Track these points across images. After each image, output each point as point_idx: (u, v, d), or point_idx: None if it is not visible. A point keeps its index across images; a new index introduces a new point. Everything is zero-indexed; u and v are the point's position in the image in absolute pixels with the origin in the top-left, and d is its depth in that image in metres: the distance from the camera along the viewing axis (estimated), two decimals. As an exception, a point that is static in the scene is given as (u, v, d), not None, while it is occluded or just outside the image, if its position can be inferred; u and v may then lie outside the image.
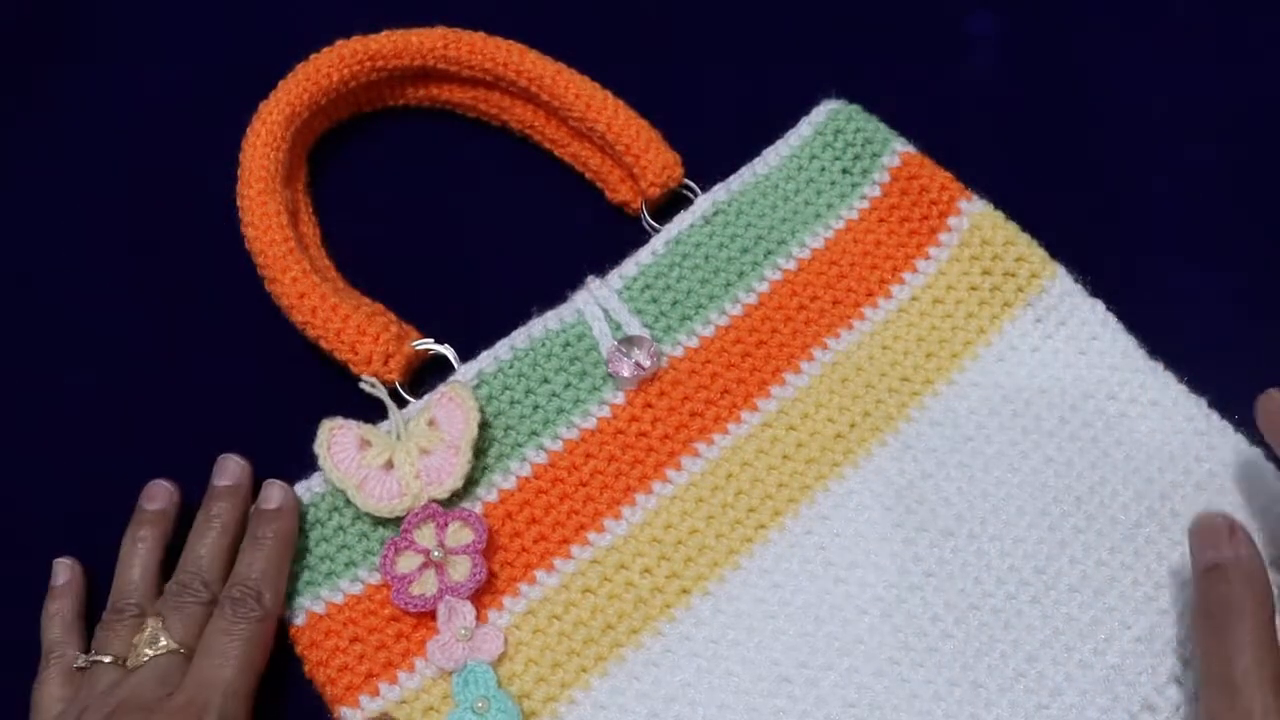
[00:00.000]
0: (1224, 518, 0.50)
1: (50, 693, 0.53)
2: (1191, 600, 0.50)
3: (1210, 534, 0.50)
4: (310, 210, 0.67)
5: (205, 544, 0.55)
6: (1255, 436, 0.59)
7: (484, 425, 0.58)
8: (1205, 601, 0.49)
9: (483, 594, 0.55)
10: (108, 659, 0.53)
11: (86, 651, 0.54)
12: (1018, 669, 0.53)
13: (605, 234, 0.67)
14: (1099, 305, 0.61)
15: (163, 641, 0.52)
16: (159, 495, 0.58)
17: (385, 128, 0.70)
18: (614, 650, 0.55)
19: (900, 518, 0.57)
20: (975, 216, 0.63)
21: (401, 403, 0.60)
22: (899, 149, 0.64)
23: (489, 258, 0.67)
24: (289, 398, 0.62)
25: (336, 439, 0.57)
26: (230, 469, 0.58)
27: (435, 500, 0.56)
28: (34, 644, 0.56)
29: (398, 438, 0.57)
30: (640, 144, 0.64)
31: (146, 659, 0.52)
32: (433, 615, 0.54)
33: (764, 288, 0.63)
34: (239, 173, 0.63)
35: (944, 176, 0.64)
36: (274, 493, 0.56)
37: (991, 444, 0.59)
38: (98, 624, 0.55)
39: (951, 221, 0.63)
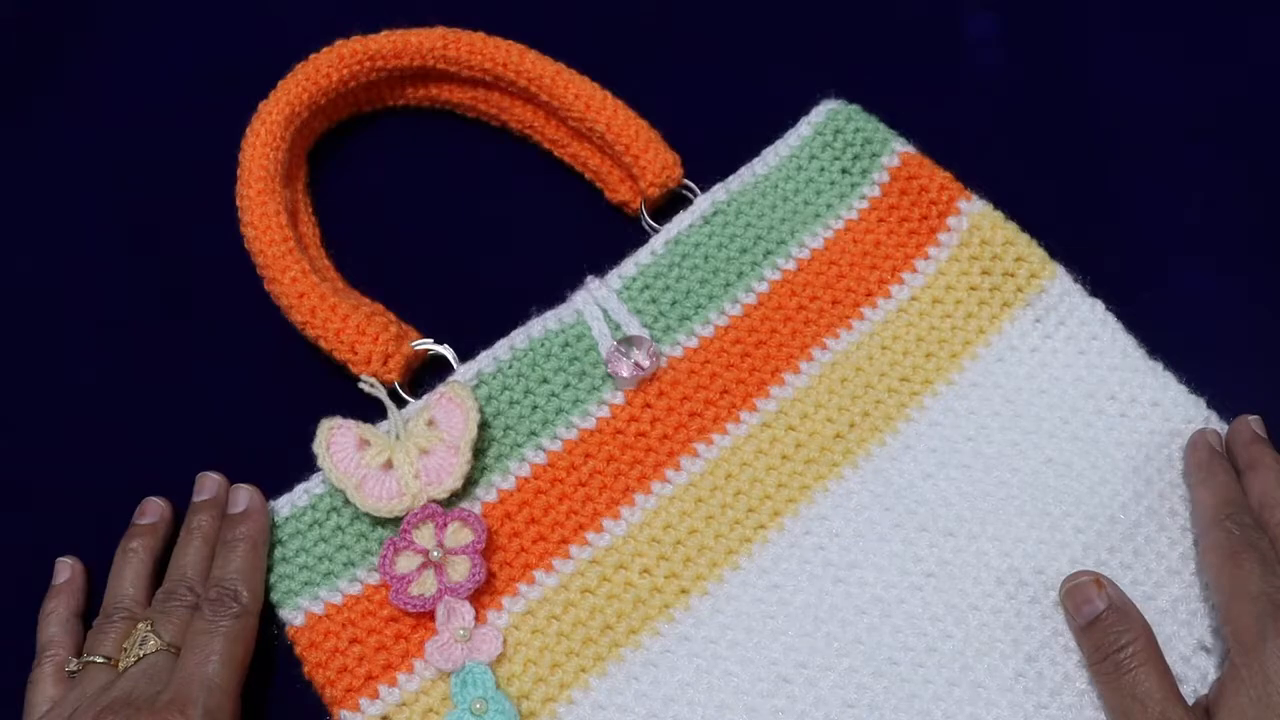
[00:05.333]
0: (1088, 574, 0.54)
1: (43, 691, 0.54)
2: (1083, 655, 0.53)
3: (1081, 591, 0.53)
4: (310, 210, 0.67)
5: (189, 553, 0.57)
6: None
7: (483, 425, 0.58)
8: (1096, 651, 0.52)
9: (481, 594, 0.55)
10: (100, 660, 0.53)
11: (80, 654, 0.55)
12: (1017, 669, 0.53)
13: (605, 234, 0.67)
14: (1099, 305, 0.61)
15: (152, 642, 0.53)
16: (150, 510, 0.59)
17: (385, 128, 0.70)
18: (613, 651, 0.55)
19: (900, 518, 0.57)
20: (974, 216, 0.63)
21: (401, 403, 0.60)
22: (898, 149, 0.64)
23: (489, 258, 0.67)
24: (289, 398, 0.62)
25: (335, 438, 0.57)
26: (208, 485, 0.59)
27: (434, 500, 0.56)
28: (30, 645, 0.56)
29: (397, 438, 0.57)
30: (640, 144, 0.64)
31: (137, 659, 0.52)
32: (431, 616, 0.54)
33: (763, 288, 0.62)
34: (239, 173, 0.63)
35: (943, 176, 0.64)
36: (240, 496, 0.57)
37: (992, 444, 0.59)
38: (89, 630, 0.55)
39: (951, 221, 0.63)
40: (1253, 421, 0.58)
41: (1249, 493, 0.55)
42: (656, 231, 0.64)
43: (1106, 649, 0.51)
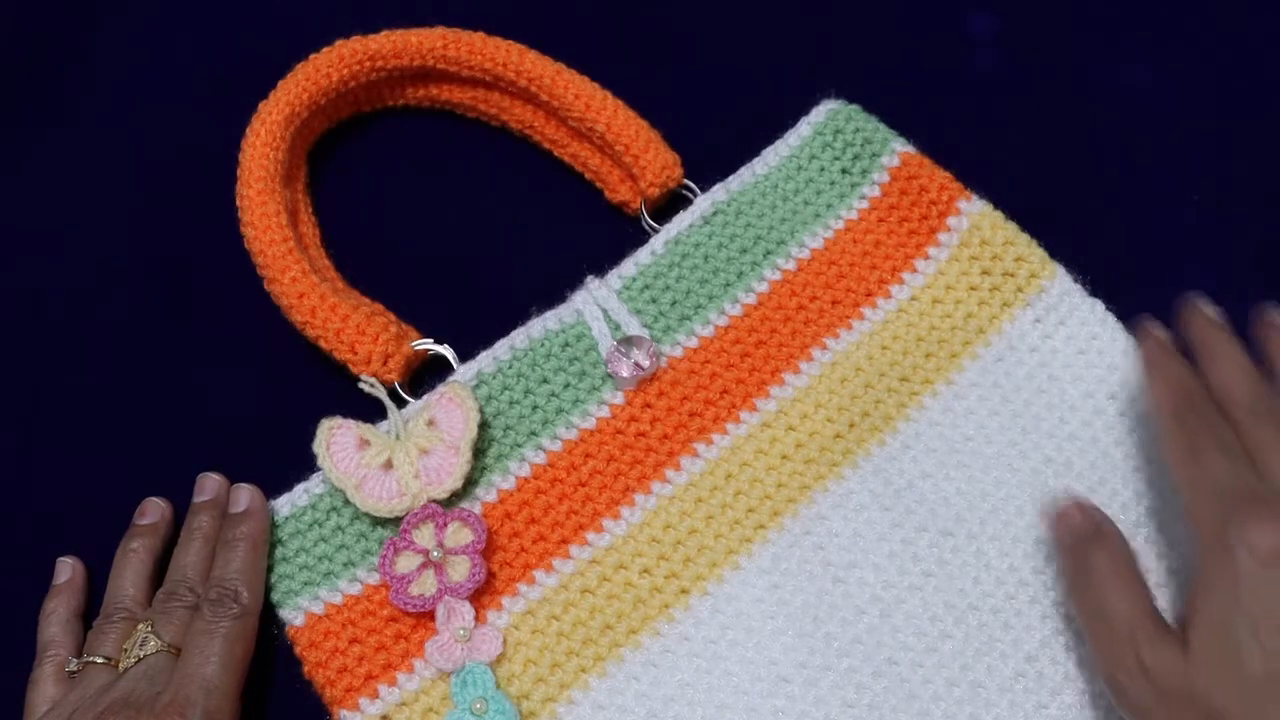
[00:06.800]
0: (1070, 498, 0.53)
1: (43, 692, 0.54)
2: (1062, 579, 0.52)
3: (1060, 514, 0.52)
4: (310, 210, 0.67)
5: (190, 553, 0.57)
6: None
7: (483, 425, 0.58)
8: (1069, 571, 0.51)
9: (481, 594, 0.55)
10: (100, 660, 0.54)
11: (80, 654, 0.55)
12: (1017, 669, 0.53)
13: (605, 234, 0.67)
14: (1098, 305, 0.61)
15: (152, 643, 0.53)
16: (151, 511, 0.59)
17: (385, 128, 0.70)
18: (613, 651, 0.55)
19: (899, 518, 0.57)
20: (974, 216, 0.63)
21: (401, 403, 0.60)
22: (898, 149, 0.64)
23: (489, 258, 0.67)
24: (289, 398, 0.62)
25: (336, 438, 0.57)
26: (209, 486, 0.59)
27: (434, 500, 0.56)
28: (30, 645, 0.56)
29: (397, 438, 0.57)
30: (640, 144, 0.64)
31: (137, 660, 0.53)
32: (431, 616, 0.54)
33: (763, 288, 0.63)
34: (239, 173, 0.63)
35: (943, 176, 0.64)
36: (241, 496, 0.57)
37: (991, 444, 0.59)
38: (90, 630, 0.56)
39: (951, 221, 0.63)
40: (1204, 306, 0.54)
41: (1209, 383, 0.51)
42: (656, 231, 0.64)
43: (1078, 568, 0.50)
